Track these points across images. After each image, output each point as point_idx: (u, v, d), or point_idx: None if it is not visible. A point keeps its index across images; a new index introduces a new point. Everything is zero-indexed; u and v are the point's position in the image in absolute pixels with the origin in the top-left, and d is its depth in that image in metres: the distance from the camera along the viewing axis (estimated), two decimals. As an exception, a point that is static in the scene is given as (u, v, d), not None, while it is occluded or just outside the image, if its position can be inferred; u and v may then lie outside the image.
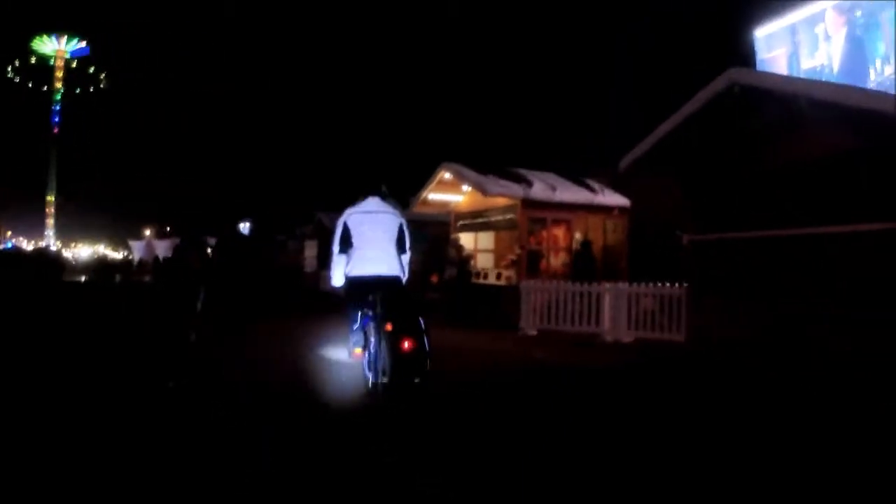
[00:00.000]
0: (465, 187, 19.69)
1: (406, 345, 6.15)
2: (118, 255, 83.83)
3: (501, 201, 19.07)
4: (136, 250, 69.41)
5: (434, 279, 20.92)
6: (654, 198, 18.80)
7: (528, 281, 17.05)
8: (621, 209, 19.78)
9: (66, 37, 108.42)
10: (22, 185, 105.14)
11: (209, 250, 16.50)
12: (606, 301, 15.27)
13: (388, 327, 6.22)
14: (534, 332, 15.80)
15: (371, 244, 6.95)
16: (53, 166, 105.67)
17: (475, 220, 20.81)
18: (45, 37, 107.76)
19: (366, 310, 6.76)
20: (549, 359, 12.00)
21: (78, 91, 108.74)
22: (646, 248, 18.89)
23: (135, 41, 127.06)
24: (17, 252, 50.35)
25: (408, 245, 7.25)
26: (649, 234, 19.05)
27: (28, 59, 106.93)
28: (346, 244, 7.02)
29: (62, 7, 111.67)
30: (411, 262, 7.59)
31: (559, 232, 19.31)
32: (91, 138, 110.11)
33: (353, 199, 7.30)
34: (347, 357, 7.62)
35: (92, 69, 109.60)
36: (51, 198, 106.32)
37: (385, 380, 6.23)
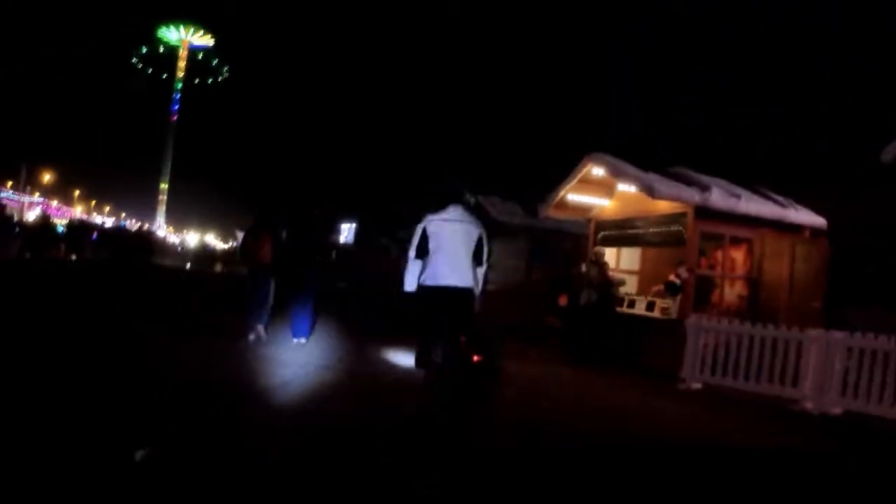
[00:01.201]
0: (623, 187, 15.07)
1: (475, 358, 6.87)
2: (224, 245, 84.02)
3: (663, 209, 14.49)
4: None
5: (563, 301, 16.43)
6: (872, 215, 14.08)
7: (698, 316, 12.45)
8: (815, 231, 14.82)
9: (191, 27, 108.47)
10: (140, 171, 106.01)
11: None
12: (812, 355, 10.89)
13: (463, 340, 6.66)
14: (698, 386, 12.05)
15: (447, 254, 6.82)
16: (169, 153, 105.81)
17: (622, 232, 16.20)
18: (171, 26, 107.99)
19: (436, 319, 6.72)
20: (733, 437, 8.76)
21: (197, 81, 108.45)
22: (852, 284, 13.93)
23: (256, 34, 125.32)
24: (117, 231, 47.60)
25: (485, 258, 7.03)
26: (858, 264, 14.15)
27: (153, 48, 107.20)
28: (423, 251, 6.90)
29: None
30: (485, 276, 7.38)
31: (738, 254, 14.55)
32: (208, 128, 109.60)
33: (438, 205, 7.14)
34: (413, 365, 7.54)
35: (214, 61, 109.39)
36: (164, 184, 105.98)
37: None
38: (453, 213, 7.08)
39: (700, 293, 14.03)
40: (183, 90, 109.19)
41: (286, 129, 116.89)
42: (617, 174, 14.75)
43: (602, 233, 17.00)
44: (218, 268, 47.90)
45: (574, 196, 16.54)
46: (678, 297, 14.31)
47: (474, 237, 7.00)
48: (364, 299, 22.19)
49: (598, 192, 16.60)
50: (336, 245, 16.47)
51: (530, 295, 20.19)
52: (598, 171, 15.45)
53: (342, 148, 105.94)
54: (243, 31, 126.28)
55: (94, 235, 37.56)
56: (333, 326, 13.82)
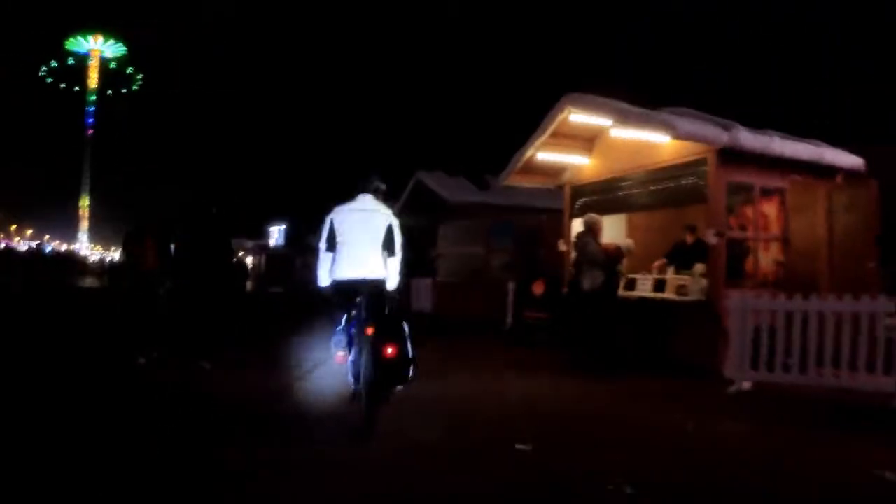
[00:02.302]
0: (618, 133, 11.29)
1: (388, 350, 6.07)
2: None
3: (669, 158, 11.09)
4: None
5: (538, 289, 12.93)
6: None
7: (741, 294, 8.95)
8: (851, 174, 11.34)
9: (101, 37, 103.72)
10: (60, 190, 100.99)
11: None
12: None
13: (369, 331, 6.03)
14: (748, 386, 8.92)
15: (355, 245, 6.45)
16: (87, 169, 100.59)
17: (607, 196, 12.55)
18: (79, 37, 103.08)
19: (350, 314, 6.39)
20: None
21: (110, 92, 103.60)
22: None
23: (167, 42, 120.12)
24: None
25: (397, 247, 6.53)
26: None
27: (62, 60, 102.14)
28: (332, 243, 6.51)
29: (96, 7, 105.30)
30: (410, 265, 8.09)
31: (770, 209, 11.00)
32: (124, 140, 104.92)
33: (348, 194, 6.73)
34: (331, 362, 6.82)
35: (128, 70, 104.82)
36: (84, 201, 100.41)
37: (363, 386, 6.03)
38: (361, 202, 6.68)
39: (730, 262, 10.38)
40: (98, 102, 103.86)
41: (210, 133, 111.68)
42: (614, 115, 10.99)
43: (580, 200, 13.36)
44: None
45: (545, 155, 12.85)
46: (698, 271, 10.74)
47: (383, 226, 6.55)
48: (298, 302, 21.18)
49: (575, 148, 12.95)
50: (230, 250, 14.44)
51: (494, 285, 16.72)
52: (578, 119, 11.78)
53: (269, 148, 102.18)
54: (156, 36, 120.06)
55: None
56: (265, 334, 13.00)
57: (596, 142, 12.78)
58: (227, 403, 7.52)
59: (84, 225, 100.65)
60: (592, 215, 10.82)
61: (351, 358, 6.36)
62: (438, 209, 19.83)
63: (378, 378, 5.99)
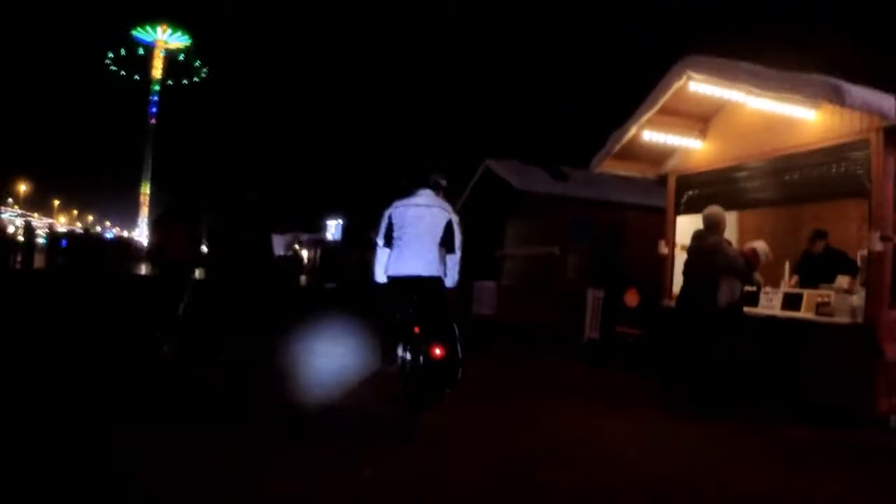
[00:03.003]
0: (757, 103, 8.83)
1: (436, 351, 5.86)
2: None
3: (813, 140, 8.73)
4: None
5: (631, 300, 10.65)
6: None
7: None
8: None
9: (167, 27, 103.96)
10: (121, 176, 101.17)
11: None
12: None
13: (416, 330, 5.83)
14: None
15: (412, 241, 6.24)
16: (149, 157, 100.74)
17: (722, 189, 10.15)
18: (146, 27, 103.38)
19: (404, 311, 6.09)
20: None
21: (171, 82, 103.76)
22: None
23: (234, 35, 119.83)
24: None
25: (457, 244, 6.31)
26: None
27: (130, 50, 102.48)
28: (390, 239, 6.35)
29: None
30: (473, 266, 8.38)
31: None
32: (187, 130, 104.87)
33: (408, 189, 6.53)
34: (380, 363, 6.49)
35: (196, 62, 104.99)
36: (145, 188, 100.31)
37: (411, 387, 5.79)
38: (420, 197, 6.43)
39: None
40: (161, 92, 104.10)
41: (272, 126, 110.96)
42: (750, 81, 8.49)
43: (687, 193, 10.94)
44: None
45: (651, 135, 10.45)
46: (842, 285, 8.32)
47: (442, 222, 6.27)
48: (352, 298, 19.33)
49: (686, 129, 10.56)
50: (266, 242, 12.19)
51: (570, 291, 14.39)
52: (698, 88, 9.33)
53: (329, 140, 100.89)
54: (222, 28, 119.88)
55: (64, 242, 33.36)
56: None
57: (712, 121, 10.37)
58: (257, 401, 7.06)
59: (144, 211, 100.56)
60: (717, 209, 8.42)
61: (401, 357, 6.05)
62: (508, 202, 17.49)
63: (423, 379, 5.78)
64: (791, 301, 8.94)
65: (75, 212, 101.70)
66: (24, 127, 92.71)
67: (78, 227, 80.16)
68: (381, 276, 6.43)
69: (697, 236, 8.39)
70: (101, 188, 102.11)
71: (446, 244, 6.27)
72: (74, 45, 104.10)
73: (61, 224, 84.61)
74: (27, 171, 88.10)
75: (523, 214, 17.53)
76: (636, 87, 10.62)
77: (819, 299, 8.53)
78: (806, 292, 8.83)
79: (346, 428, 6.12)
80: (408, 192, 6.52)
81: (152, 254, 10.70)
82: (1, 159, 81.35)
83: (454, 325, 6.17)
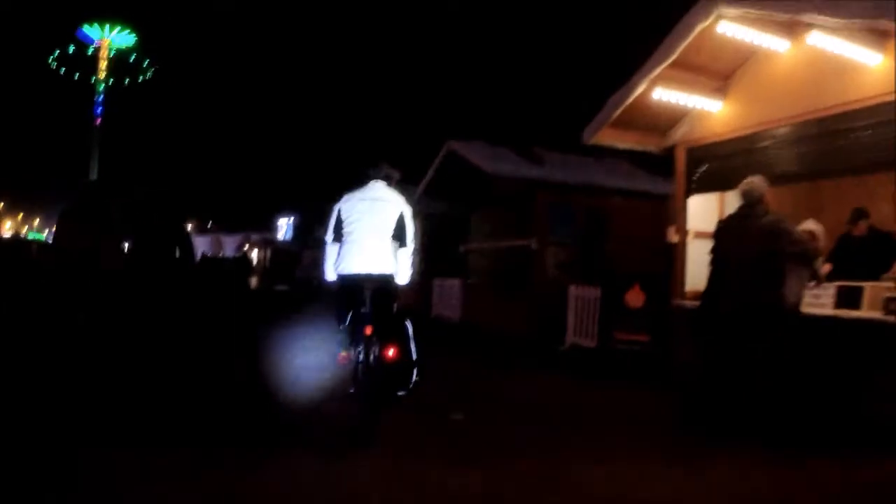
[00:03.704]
0: (816, 41, 6.78)
1: (390, 352, 5.62)
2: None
3: (879, 91, 6.39)
4: None
5: (634, 300, 8.83)
6: None
7: None
8: None
9: (111, 25, 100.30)
10: (68, 179, 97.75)
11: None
12: None
13: (368, 331, 5.59)
14: None
15: (363, 236, 5.94)
16: (95, 158, 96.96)
17: (748, 161, 8.15)
18: (90, 25, 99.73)
19: (355, 311, 5.87)
20: None
21: (113, 81, 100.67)
22: None
23: (177, 32, 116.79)
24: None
25: (409, 238, 6.04)
26: None
27: (72, 49, 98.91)
28: (339, 234, 6.04)
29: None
30: (432, 261, 9.24)
31: None
32: (133, 130, 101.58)
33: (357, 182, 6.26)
34: (334, 362, 6.28)
35: (143, 61, 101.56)
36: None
37: (362, 389, 5.64)
38: (371, 189, 6.12)
39: None
40: (106, 91, 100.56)
41: (218, 123, 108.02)
42: (809, 6, 6.45)
43: (701, 168, 8.95)
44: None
45: (663, 93, 8.38)
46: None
47: (394, 215, 6.00)
48: (304, 300, 18.93)
49: (702, 88, 8.51)
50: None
51: (549, 289, 12.39)
52: (728, 31, 7.31)
53: (279, 132, 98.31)
54: (167, 26, 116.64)
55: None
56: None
57: (735, 77, 8.36)
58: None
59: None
60: (759, 180, 6.39)
61: (352, 359, 5.86)
62: (475, 189, 15.32)
63: (376, 381, 5.54)
64: (848, 296, 6.98)
65: (20, 215, 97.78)
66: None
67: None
68: (330, 275, 6.13)
69: (740, 215, 6.34)
70: (48, 191, 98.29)
71: (398, 238, 6.03)
72: (17, 43, 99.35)
73: (6, 230, 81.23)
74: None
75: (493, 202, 15.31)
76: (619, 56, 8.67)
77: (888, 293, 6.58)
78: (868, 285, 6.87)
79: (303, 430, 5.85)
80: (357, 184, 6.22)
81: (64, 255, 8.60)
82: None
83: (406, 324, 5.90)
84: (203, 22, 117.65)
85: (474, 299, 15.76)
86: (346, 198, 6.11)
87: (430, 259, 18.00)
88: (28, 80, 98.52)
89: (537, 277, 13.40)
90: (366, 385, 5.53)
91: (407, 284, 6.10)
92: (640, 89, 8.29)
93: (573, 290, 11.82)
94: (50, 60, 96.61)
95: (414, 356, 5.74)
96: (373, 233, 5.93)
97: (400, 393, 5.67)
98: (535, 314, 12.85)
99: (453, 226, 17.33)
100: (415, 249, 6.19)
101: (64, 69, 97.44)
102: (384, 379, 5.55)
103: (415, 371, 5.71)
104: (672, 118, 9.05)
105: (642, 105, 8.62)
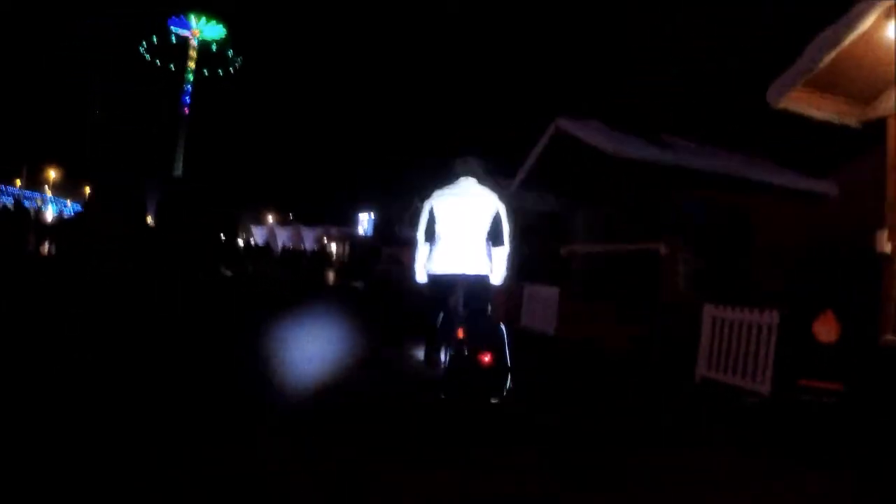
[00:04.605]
0: None
1: (486, 357, 5.31)
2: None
3: None
4: (259, 236, 64.78)
5: (825, 332, 6.81)
6: None
7: None
8: None
9: (202, 17, 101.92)
10: (152, 164, 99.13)
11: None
12: None
13: (460, 334, 5.38)
14: None
15: (457, 235, 5.76)
16: (181, 147, 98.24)
17: None
18: (181, 15, 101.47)
19: (447, 311, 5.77)
20: None
21: (207, 73, 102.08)
22: None
23: (267, 26, 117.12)
24: None
25: (505, 237, 5.82)
26: None
27: (164, 39, 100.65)
28: (431, 233, 5.84)
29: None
30: (525, 266, 8.37)
31: None
32: (220, 121, 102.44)
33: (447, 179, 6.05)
34: (424, 365, 6.02)
35: (229, 52, 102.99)
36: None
37: (455, 395, 5.40)
38: (463, 186, 5.93)
39: None
40: (195, 81, 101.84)
41: (300, 118, 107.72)
42: None
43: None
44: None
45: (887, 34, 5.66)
46: None
47: (489, 213, 5.82)
48: (382, 301, 17.41)
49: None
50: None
51: (678, 307, 9.83)
52: None
53: (362, 127, 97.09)
54: (256, 20, 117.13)
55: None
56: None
57: None
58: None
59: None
60: None
61: (443, 362, 5.68)
62: (587, 178, 12.62)
63: (468, 387, 5.33)
64: None
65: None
66: (56, 114, 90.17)
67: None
68: (421, 275, 5.95)
69: None
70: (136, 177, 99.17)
71: (494, 237, 5.80)
72: (108, 33, 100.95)
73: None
74: (57, 159, 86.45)
75: (609, 195, 12.45)
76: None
77: None
78: None
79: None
80: (447, 181, 5.99)
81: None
82: (34, 146, 79.33)
83: (501, 327, 5.53)
84: (290, 15, 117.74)
85: (575, 312, 13.11)
86: (437, 194, 5.87)
87: (522, 262, 15.45)
88: (118, 68, 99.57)
89: (665, 290, 10.67)
90: (456, 389, 5.34)
91: (502, 286, 5.93)
92: (865, 23, 5.62)
93: (710, 311, 9.18)
94: (141, 49, 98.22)
95: (509, 363, 5.40)
96: (468, 232, 5.73)
97: (493, 400, 5.36)
98: (659, 336, 10.20)
99: (552, 224, 14.71)
100: (512, 250, 5.90)
101: (155, 58, 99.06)
102: (477, 385, 5.29)
103: (509, 379, 5.38)
104: (885, 79, 6.37)
105: (857, 54, 6.03)
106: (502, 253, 5.83)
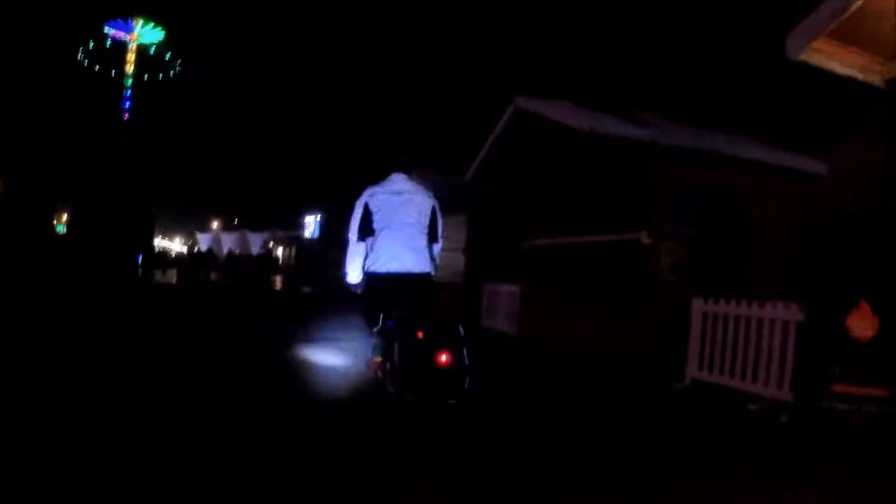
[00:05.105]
0: None
1: (443, 358, 5.08)
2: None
3: None
4: (204, 243, 63.10)
5: (861, 327, 5.57)
6: None
7: None
8: None
9: (141, 20, 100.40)
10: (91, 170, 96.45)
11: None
12: None
13: (420, 335, 5.16)
14: None
15: (399, 233, 5.52)
16: (122, 152, 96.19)
17: None
18: (119, 20, 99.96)
19: (389, 312, 5.55)
20: None
21: (147, 77, 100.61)
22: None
23: (205, 27, 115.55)
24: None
25: (440, 233, 5.73)
26: None
27: (101, 43, 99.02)
28: (367, 231, 5.59)
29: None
30: (483, 261, 8.30)
31: None
32: (161, 126, 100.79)
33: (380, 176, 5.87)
34: (364, 368, 6.17)
35: (167, 55, 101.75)
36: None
37: (412, 397, 5.18)
38: (398, 182, 5.71)
39: None
40: (134, 86, 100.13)
41: (240, 120, 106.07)
42: None
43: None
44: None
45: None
46: None
47: (427, 210, 5.67)
48: (328, 306, 16.52)
49: None
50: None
51: (662, 302, 8.74)
52: None
53: (306, 127, 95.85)
54: (196, 22, 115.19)
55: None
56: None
57: None
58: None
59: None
60: None
61: (392, 363, 5.33)
62: (551, 163, 11.33)
63: (430, 390, 5.09)
64: None
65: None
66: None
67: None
68: (354, 276, 5.67)
69: None
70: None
71: (430, 234, 5.66)
72: (47, 39, 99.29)
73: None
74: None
75: (578, 182, 11.12)
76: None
77: None
78: None
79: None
80: (379, 178, 5.77)
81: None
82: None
83: (458, 326, 5.25)
84: (228, 17, 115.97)
85: (539, 309, 11.92)
86: (370, 191, 5.67)
87: (479, 259, 14.25)
88: (56, 74, 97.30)
89: (649, 284, 9.46)
90: (419, 393, 5.03)
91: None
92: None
93: (699, 306, 8.12)
94: (80, 55, 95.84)
95: (466, 362, 5.11)
96: (410, 228, 5.55)
97: (451, 402, 5.10)
98: (646, 334, 9.06)
99: (512, 218, 13.46)
100: (443, 247, 5.82)
101: (93, 64, 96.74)
102: (435, 385, 5.01)
103: (467, 379, 5.08)
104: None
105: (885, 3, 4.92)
106: (438, 249, 5.73)
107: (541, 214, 12.37)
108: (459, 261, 14.52)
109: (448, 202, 7.55)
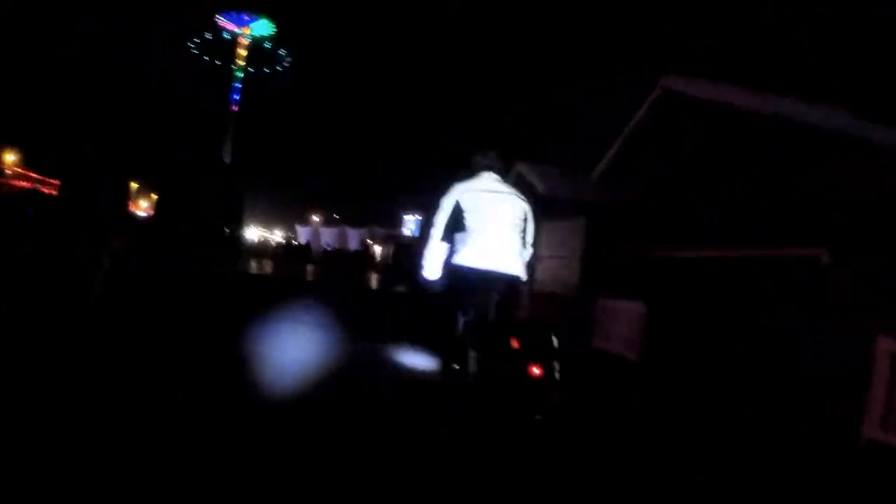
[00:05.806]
0: None
1: (535, 370, 4.66)
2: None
3: None
4: (303, 235, 62.93)
5: None
6: None
7: None
8: None
9: (252, 14, 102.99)
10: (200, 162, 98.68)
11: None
12: None
13: (515, 344, 4.75)
14: None
15: (493, 232, 5.21)
16: (229, 144, 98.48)
17: None
18: (231, 13, 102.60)
19: (468, 312, 5.16)
20: None
21: (252, 70, 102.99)
22: None
23: (317, 23, 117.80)
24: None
25: (530, 240, 5.43)
26: None
27: (214, 36, 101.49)
28: (455, 229, 5.30)
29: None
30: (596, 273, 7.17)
31: None
32: (268, 118, 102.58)
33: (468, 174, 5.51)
34: (437, 372, 5.65)
35: (276, 50, 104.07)
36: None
37: (492, 409, 4.75)
38: (491, 181, 5.41)
39: None
40: (244, 78, 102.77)
41: (345, 118, 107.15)
42: None
43: None
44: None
45: None
46: None
47: (521, 212, 5.36)
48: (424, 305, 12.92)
49: None
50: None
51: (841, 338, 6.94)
52: None
53: (409, 127, 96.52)
54: (305, 18, 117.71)
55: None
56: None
57: None
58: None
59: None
60: None
61: (468, 371, 4.98)
62: (702, 156, 9.56)
63: (517, 403, 4.71)
64: None
65: (153, 197, 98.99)
66: (109, 114, 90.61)
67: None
68: (434, 271, 5.32)
69: None
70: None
71: (522, 237, 5.39)
72: (159, 30, 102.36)
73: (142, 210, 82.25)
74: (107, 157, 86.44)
75: (730, 180, 9.18)
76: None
77: None
78: None
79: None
80: (468, 176, 5.42)
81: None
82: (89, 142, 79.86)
83: (552, 336, 4.85)
84: (340, 15, 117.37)
85: (671, 334, 10.15)
86: (461, 188, 5.30)
87: (596, 269, 12.53)
88: (167, 65, 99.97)
89: (828, 314, 7.54)
90: (502, 407, 4.63)
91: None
92: None
93: (887, 345, 6.34)
94: (191, 46, 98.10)
95: (557, 376, 4.69)
96: (503, 228, 5.21)
97: (536, 417, 4.67)
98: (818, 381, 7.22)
99: (641, 223, 11.70)
100: (534, 254, 5.51)
101: (204, 55, 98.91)
102: (523, 400, 4.61)
103: (557, 395, 4.73)
104: None
105: None
106: (528, 255, 5.42)
107: (683, 222, 10.49)
108: (568, 270, 12.84)
109: (564, 201, 6.14)
